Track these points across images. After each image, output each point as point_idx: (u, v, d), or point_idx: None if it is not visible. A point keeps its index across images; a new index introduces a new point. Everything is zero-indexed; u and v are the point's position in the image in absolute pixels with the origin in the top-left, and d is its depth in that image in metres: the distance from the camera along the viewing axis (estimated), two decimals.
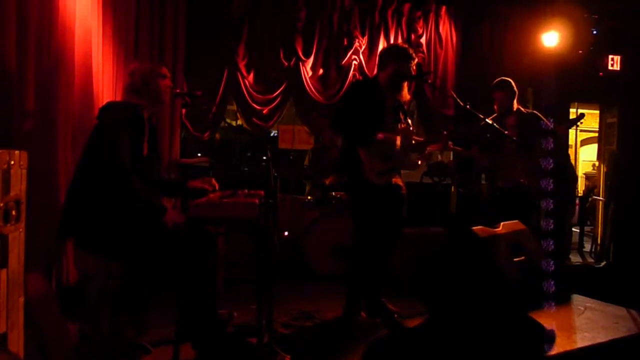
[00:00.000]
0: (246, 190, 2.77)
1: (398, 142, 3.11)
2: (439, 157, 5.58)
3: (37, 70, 2.54)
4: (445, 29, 5.32)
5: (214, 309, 2.60)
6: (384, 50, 3.47)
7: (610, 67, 5.12)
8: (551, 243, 2.65)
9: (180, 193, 2.91)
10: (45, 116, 2.62)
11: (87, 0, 3.04)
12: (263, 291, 2.56)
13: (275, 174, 2.55)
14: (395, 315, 3.09)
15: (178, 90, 2.90)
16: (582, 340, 2.63)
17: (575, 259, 5.61)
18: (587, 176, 7.61)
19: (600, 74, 5.15)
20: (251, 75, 4.69)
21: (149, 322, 2.65)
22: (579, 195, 6.97)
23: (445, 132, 3.35)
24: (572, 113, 5.75)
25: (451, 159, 5.24)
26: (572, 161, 8.46)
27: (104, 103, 2.64)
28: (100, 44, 3.28)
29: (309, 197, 4.77)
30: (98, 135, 2.40)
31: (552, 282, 2.61)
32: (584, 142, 9.53)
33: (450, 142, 3.63)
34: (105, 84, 3.39)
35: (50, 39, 2.63)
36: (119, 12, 3.59)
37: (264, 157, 2.75)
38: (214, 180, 2.78)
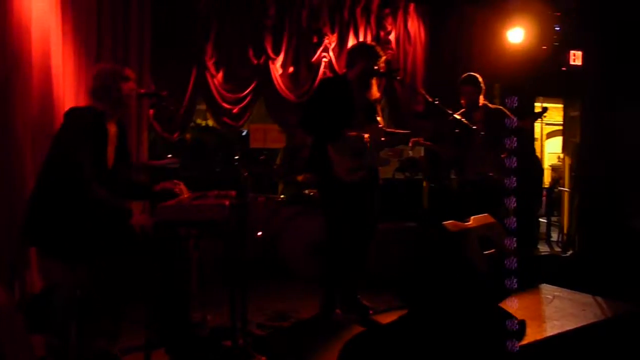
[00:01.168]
0: (217, 192, 2.72)
1: (367, 139, 3.12)
2: (410, 152, 5.62)
3: None
4: (414, 26, 5.37)
5: (187, 312, 2.56)
6: (351, 48, 3.49)
7: (572, 62, 5.26)
8: (520, 234, 2.70)
9: (148, 196, 2.85)
10: (1, 120, 2.52)
11: None
12: (236, 293, 2.53)
13: (246, 174, 2.52)
14: (371, 312, 3.11)
15: (142, 91, 2.83)
16: (552, 328, 2.69)
17: (543, 248, 5.75)
18: (553, 168, 7.80)
19: (563, 68, 5.29)
20: (220, 74, 4.62)
21: (120, 330, 2.59)
22: (546, 186, 7.14)
23: (410, 131, 3.39)
24: (537, 107, 5.88)
25: (422, 154, 5.29)
26: (538, 153, 8.69)
27: (67, 107, 2.57)
28: (60, 43, 3.16)
29: (282, 196, 4.75)
30: (59, 143, 2.34)
31: (521, 273, 2.67)
32: (550, 134, 9.78)
33: (420, 138, 3.68)
34: (67, 86, 3.27)
35: (4, 40, 2.53)
36: (80, 10, 3.47)
37: (236, 157, 2.72)
38: (182, 185, 2.72)
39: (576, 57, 5.35)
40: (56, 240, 2.28)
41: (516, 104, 3.56)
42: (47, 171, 2.35)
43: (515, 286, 2.56)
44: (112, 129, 2.50)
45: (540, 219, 6.46)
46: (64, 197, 2.26)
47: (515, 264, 2.57)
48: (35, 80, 2.86)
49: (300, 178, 4.61)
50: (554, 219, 6.78)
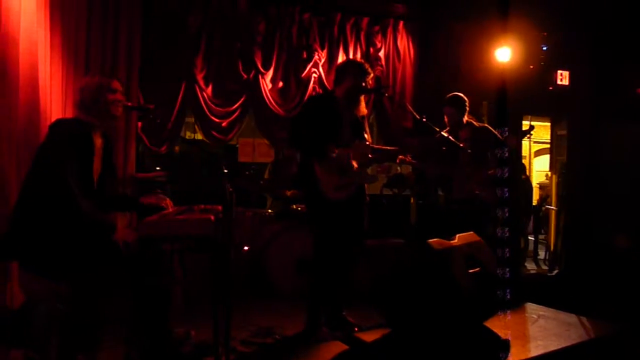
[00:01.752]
0: (202, 206, 2.70)
1: (354, 156, 3.13)
2: (399, 169, 5.65)
3: None
4: (404, 43, 5.43)
5: (168, 328, 2.52)
6: (340, 65, 3.50)
7: (559, 82, 5.33)
8: (505, 253, 2.72)
9: (135, 209, 2.83)
10: None
11: (33, 10, 2.92)
12: (220, 308, 2.50)
13: (231, 189, 2.51)
14: (356, 329, 3.09)
15: (129, 104, 2.82)
16: (536, 348, 2.69)
17: (530, 266, 5.77)
18: (541, 186, 7.86)
19: (550, 87, 5.36)
20: (209, 88, 4.64)
21: (100, 345, 2.55)
22: (533, 204, 7.19)
23: (397, 148, 3.40)
24: (525, 125, 5.94)
25: (410, 170, 5.32)
26: (527, 171, 8.76)
27: (53, 119, 2.56)
28: (48, 56, 3.16)
29: (269, 211, 4.73)
30: (43, 155, 2.31)
31: (506, 292, 2.68)
32: (538, 152, 9.88)
33: (408, 155, 3.70)
34: (54, 98, 3.26)
35: None
36: (69, 23, 3.47)
37: (224, 171, 2.70)
38: (168, 200, 2.70)
39: (563, 77, 5.43)
40: (38, 255, 2.24)
41: (507, 133, 3.61)
42: (31, 184, 2.31)
43: (501, 305, 2.57)
44: (98, 140, 2.49)
45: (529, 237, 6.50)
46: (47, 210, 2.22)
47: (501, 283, 2.57)
48: (22, 92, 2.83)
49: (288, 193, 4.60)
50: (541, 237, 6.82)
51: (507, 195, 3.82)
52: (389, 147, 3.50)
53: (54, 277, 2.30)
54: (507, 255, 3.38)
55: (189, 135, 6.13)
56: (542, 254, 6.31)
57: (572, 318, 3.22)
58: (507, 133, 3.80)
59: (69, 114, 3.17)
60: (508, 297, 2.79)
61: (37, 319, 2.42)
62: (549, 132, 7.12)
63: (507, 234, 3.60)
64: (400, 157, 3.44)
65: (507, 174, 3.78)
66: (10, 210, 2.40)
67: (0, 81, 2.60)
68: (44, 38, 3.09)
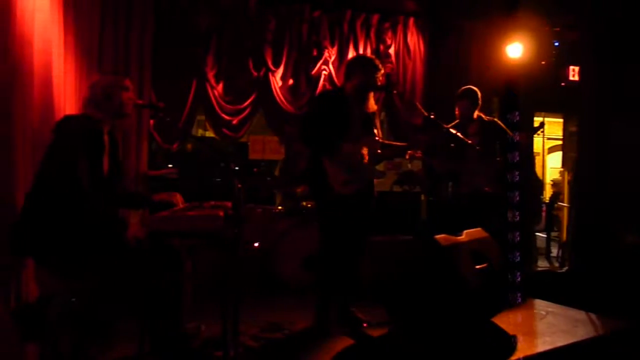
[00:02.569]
0: (212, 202, 2.75)
1: (363, 152, 3.14)
2: (409, 165, 5.65)
3: None
4: (414, 40, 5.41)
5: (180, 323, 2.56)
6: (350, 61, 3.51)
7: (571, 78, 5.28)
8: (514, 250, 2.71)
9: (146, 206, 2.88)
10: (1, 132, 2.55)
11: (47, 9, 2.97)
12: (229, 304, 2.54)
13: (240, 185, 2.54)
14: (365, 325, 3.11)
15: (140, 102, 2.87)
16: (543, 344, 2.69)
17: (542, 264, 5.73)
18: (554, 183, 7.80)
19: (562, 84, 5.31)
20: (220, 86, 4.67)
21: (113, 340, 2.60)
22: (546, 201, 7.14)
23: (407, 144, 3.40)
24: (537, 122, 5.90)
25: (421, 167, 5.31)
26: (540, 168, 8.68)
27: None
28: (62, 55, 3.21)
29: (279, 208, 4.76)
30: (54, 152, 2.34)
31: (514, 288, 2.67)
32: (551, 149, 9.77)
33: (417, 151, 3.70)
34: (68, 97, 3.32)
35: (6, 51, 2.57)
36: (82, 22, 3.53)
37: (236, 168, 2.74)
38: (179, 196, 2.75)
39: (575, 73, 5.38)
40: (51, 250, 2.29)
41: (518, 119, 3.58)
42: (42, 180, 2.34)
43: (507, 302, 2.57)
44: (105, 138, 2.52)
45: (540, 234, 6.45)
46: (59, 206, 2.26)
47: (508, 280, 2.57)
48: (36, 91, 2.89)
49: (298, 190, 4.63)
50: (554, 234, 6.76)
51: (517, 190, 3.79)
52: (398, 143, 3.51)
53: (67, 272, 2.35)
54: (516, 251, 3.36)
55: (200, 132, 6.19)
56: (554, 252, 6.27)
57: (580, 315, 3.21)
58: (517, 133, 3.78)
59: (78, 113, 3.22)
60: (515, 293, 2.78)
61: (52, 313, 2.47)
62: (562, 128, 7.06)
63: (516, 230, 3.58)
64: (410, 152, 3.45)
65: (516, 170, 3.75)
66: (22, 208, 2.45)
67: (15, 80, 2.65)
68: (58, 37, 3.14)
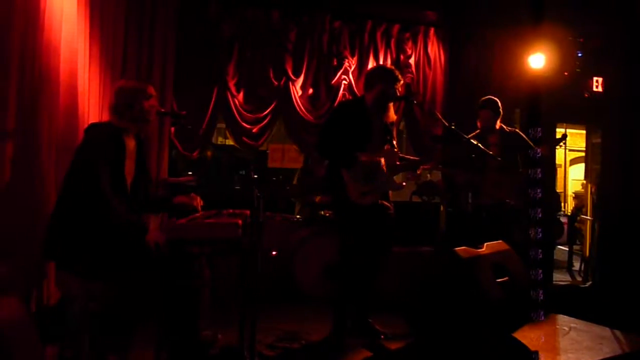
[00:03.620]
0: (230, 210, 2.76)
1: (382, 163, 3.13)
2: (429, 176, 5.60)
3: (19, 91, 2.53)
4: (434, 50, 5.40)
5: (197, 331, 2.57)
6: (370, 71, 3.51)
7: (595, 89, 5.20)
8: (536, 266, 2.66)
9: (167, 209, 2.91)
10: (27, 137, 2.61)
11: (74, 19, 3.05)
12: (247, 312, 2.54)
13: (259, 194, 2.55)
14: (382, 337, 3.08)
15: (162, 110, 2.91)
16: None
17: (564, 277, 5.61)
18: (577, 195, 7.65)
19: (586, 95, 5.22)
20: (241, 94, 4.72)
21: (131, 345, 2.62)
22: (568, 214, 7.00)
23: (436, 153, 3.37)
24: (559, 133, 5.81)
25: (441, 178, 5.26)
26: (561, 180, 8.53)
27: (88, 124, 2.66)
28: (87, 64, 3.29)
29: (298, 216, 4.76)
30: (78, 158, 2.41)
31: (536, 302, 2.61)
32: (573, 161, 9.62)
33: (431, 164, 3.66)
34: (92, 105, 3.39)
35: (34, 59, 2.64)
36: (107, 31, 3.61)
37: (255, 176, 2.75)
38: (199, 199, 2.77)
39: (599, 84, 5.28)
40: (73, 255, 2.33)
41: (540, 135, 3.53)
42: (67, 186, 2.41)
43: (529, 316, 2.51)
44: (131, 143, 2.56)
45: (562, 247, 6.32)
46: (81, 211, 2.31)
47: (530, 293, 2.52)
48: (62, 99, 2.96)
49: (317, 199, 4.62)
50: (576, 247, 6.62)
51: (539, 207, 3.74)
52: (412, 157, 3.47)
53: (88, 277, 2.38)
54: (538, 268, 3.30)
55: (220, 140, 6.25)
56: (576, 265, 6.14)
57: (605, 331, 3.12)
58: (540, 148, 3.73)
59: (105, 120, 3.28)
60: (538, 310, 2.72)
61: (72, 316, 2.50)
62: (584, 140, 6.94)
63: (538, 247, 3.51)
64: (423, 167, 3.40)
65: (539, 186, 3.70)
66: (49, 213, 2.50)
67: (42, 88, 2.72)
68: (84, 47, 3.22)
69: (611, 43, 4.89)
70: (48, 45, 2.77)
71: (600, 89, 5.15)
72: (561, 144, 4.12)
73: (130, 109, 2.50)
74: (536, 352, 2.53)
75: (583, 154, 8.55)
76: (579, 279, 5.59)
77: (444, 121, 3.31)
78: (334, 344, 3.04)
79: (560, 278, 5.51)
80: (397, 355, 2.57)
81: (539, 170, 3.45)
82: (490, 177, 3.70)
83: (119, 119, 2.51)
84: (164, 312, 2.41)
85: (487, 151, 3.40)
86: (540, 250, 3.46)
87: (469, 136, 3.48)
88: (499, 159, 3.49)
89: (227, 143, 6.16)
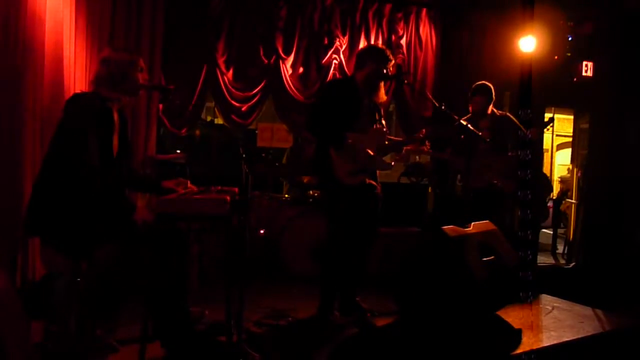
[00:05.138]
0: (219, 187, 2.74)
1: (370, 142, 3.12)
2: (417, 157, 5.62)
3: (2, 63, 2.47)
4: (426, 31, 5.36)
5: (184, 307, 2.56)
6: (361, 50, 3.48)
7: (584, 74, 5.21)
8: (525, 247, 2.69)
9: (154, 191, 2.86)
10: (11, 108, 2.55)
11: None
12: (234, 289, 2.54)
13: (247, 172, 2.54)
14: (368, 314, 3.11)
15: (150, 84, 2.85)
16: (549, 339, 2.67)
17: (547, 260, 5.70)
18: (562, 179, 7.75)
19: (575, 79, 5.24)
20: (230, 72, 4.66)
21: (118, 320, 2.61)
22: (553, 197, 7.09)
23: (421, 134, 3.35)
24: (547, 117, 5.85)
25: (429, 159, 5.28)
26: (548, 165, 8.61)
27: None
28: (73, 35, 3.21)
29: (286, 196, 4.76)
30: (63, 131, 2.31)
31: (526, 286, 2.66)
32: (560, 146, 9.70)
33: (427, 145, 3.66)
34: (78, 77, 3.33)
35: (18, 30, 2.57)
36: (94, 4, 3.53)
37: (243, 155, 2.73)
38: (189, 183, 2.73)
39: (588, 68, 5.30)
40: (58, 230, 2.28)
41: (530, 117, 3.54)
42: (51, 159, 2.33)
43: (514, 295, 2.55)
44: (115, 117, 2.48)
45: (547, 230, 6.42)
46: (67, 185, 2.25)
47: (516, 273, 2.55)
48: (47, 70, 2.90)
49: (305, 179, 4.62)
50: (560, 230, 6.73)
51: (528, 188, 3.77)
52: (398, 139, 3.45)
53: (73, 253, 2.35)
54: (527, 249, 3.34)
55: (209, 119, 6.18)
56: (560, 248, 6.24)
57: (587, 310, 3.19)
58: (529, 130, 3.75)
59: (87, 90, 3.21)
60: (527, 291, 2.77)
61: (57, 292, 2.48)
62: (572, 126, 6.99)
63: (527, 228, 3.56)
64: (406, 148, 3.38)
65: (528, 168, 3.73)
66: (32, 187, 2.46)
67: (26, 59, 2.66)
68: (69, 18, 3.15)
69: (602, 27, 4.89)
70: (32, 15, 2.70)
71: (590, 74, 5.17)
72: (548, 127, 4.14)
73: (123, 80, 2.40)
74: (519, 330, 2.58)
75: (570, 139, 8.62)
76: (563, 261, 5.69)
77: (434, 101, 3.30)
78: (320, 321, 3.07)
79: (544, 260, 5.60)
80: (383, 331, 2.60)
81: (528, 152, 3.46)
82: (479, 159, 3.72)
83: (110, 89, 2.39)
84: (150, 287, 2.39)
85: (477, 132, 3.41)
86: (529, 232, 3.50)
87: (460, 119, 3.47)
88: (488, 140, 3.50)
89: (216, 122, 6.09)
